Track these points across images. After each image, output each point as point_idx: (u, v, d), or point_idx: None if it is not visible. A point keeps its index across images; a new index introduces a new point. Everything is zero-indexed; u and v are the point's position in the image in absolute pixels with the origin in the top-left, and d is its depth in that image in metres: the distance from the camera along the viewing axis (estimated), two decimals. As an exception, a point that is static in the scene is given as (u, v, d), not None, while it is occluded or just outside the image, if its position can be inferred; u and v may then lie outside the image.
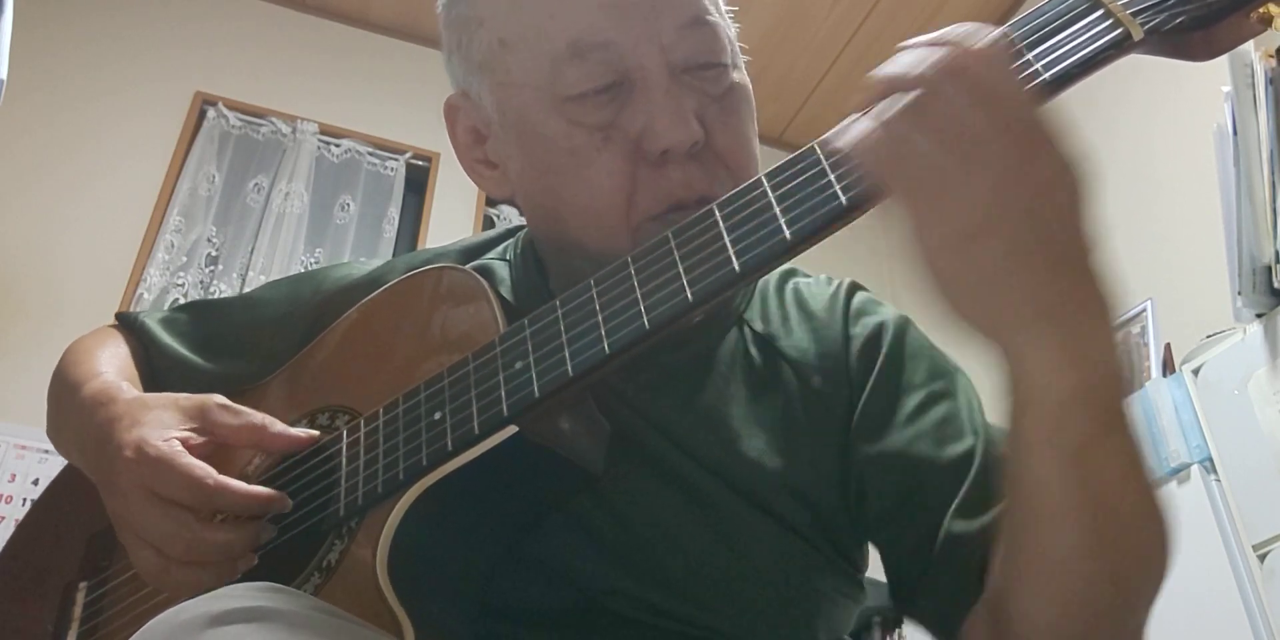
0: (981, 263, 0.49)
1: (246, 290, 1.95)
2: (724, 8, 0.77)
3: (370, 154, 3.17)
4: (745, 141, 0.72)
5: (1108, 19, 0.52)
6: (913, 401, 0.74)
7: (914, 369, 0.76)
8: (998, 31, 0.51)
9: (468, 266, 0.80)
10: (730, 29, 0.75)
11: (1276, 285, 1.73)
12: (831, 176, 0.54)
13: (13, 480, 2.38)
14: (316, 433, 0.70)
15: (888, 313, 0.81)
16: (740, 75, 0.75)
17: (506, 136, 0.75)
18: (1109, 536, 0.53)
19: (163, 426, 0.68)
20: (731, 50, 0.74)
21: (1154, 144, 2.60)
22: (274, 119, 3.08)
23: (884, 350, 0.77)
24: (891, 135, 0.50)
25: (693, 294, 0.57)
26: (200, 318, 0.92)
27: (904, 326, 0.80)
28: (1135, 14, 0.52)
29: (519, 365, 0.63)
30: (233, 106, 3.06)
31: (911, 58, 0.51)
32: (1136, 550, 0.55)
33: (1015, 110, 0.49)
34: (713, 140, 0.70)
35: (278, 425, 0.69)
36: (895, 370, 0.76)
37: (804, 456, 0.72)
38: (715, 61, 0.71)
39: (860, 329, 0.79)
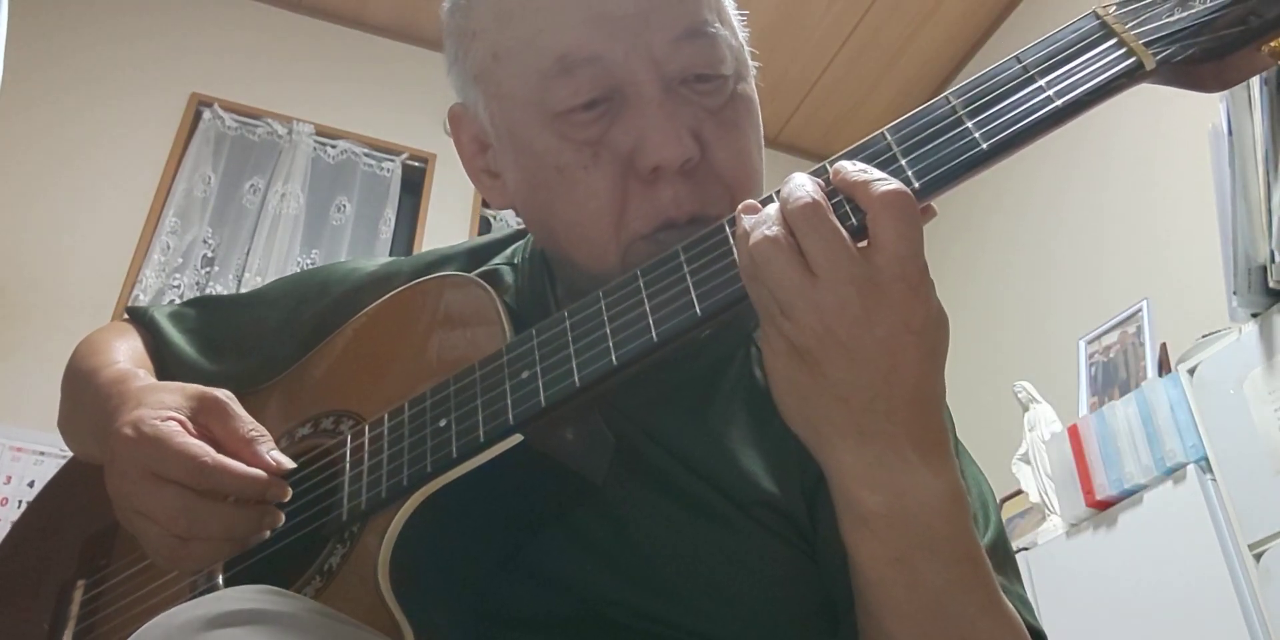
0: (812, 378, 0.52)
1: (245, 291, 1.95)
2: (732, 16, 0.74)
3: (366, 155, 3.17)
4: (745, 157, 0.70)
5: (1121, 48, 0.53)
6: None
7: None
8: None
9: (475, 271, 0.80)
10: (736, 38, 0.72)
11: (1272, 285, 1.74)
12: (839, 197, 0.54)
13: (8, 482, 2.38)
14: (293, 464, 0.67)
15: None
16: (745, 87, 0.72)
17: (502, 149, 0.74)
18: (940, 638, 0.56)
19: (163, 408, 0.68)
20: (736, 60, 0.71)
21: (1150, 144, 2.61)
22: (270, 120, 3.08)
23: None
24: (758, 250, 0.53)
25: (701, 309, 0.57)
26: (206, 314, 0.93)
27: None
28: (1148, 44, 0.53)
29: (526, 374, 0.62)
30: (229, 108, 3.06)
31: (802, 187, 0.54)
32: None
33: (870, 272, 0.51)
34: (710, 156, 0.68)
35: (261, 445, 0.67)
36: None
37: (794, 486, 0.71)
38: (714, 74, 0.69)
39: None
